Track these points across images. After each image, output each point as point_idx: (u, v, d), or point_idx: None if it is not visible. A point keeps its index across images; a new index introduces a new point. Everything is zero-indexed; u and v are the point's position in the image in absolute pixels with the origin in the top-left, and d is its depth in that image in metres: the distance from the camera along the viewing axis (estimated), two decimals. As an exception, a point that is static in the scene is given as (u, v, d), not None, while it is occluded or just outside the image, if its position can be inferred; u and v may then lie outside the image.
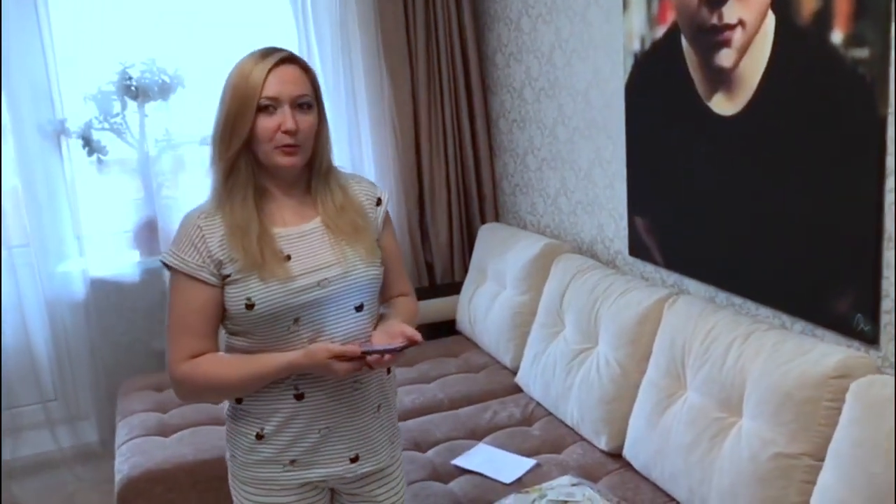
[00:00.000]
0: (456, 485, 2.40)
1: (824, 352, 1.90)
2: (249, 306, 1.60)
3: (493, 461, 2.50)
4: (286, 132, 1.60)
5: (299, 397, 1.66)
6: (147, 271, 3.55)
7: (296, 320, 1.63)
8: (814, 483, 1.82)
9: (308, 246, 1.67)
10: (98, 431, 3.56)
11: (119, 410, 3.07)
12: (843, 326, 2.00)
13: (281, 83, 1.60)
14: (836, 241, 1.99)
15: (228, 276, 1.62)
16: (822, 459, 1.81)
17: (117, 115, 3.46)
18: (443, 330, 3.61)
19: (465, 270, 3.69)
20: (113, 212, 3.53)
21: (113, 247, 3.56)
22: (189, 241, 1.62)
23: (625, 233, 2.88)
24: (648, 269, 2.79)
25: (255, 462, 1.69)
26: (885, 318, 1.90)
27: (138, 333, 3.62)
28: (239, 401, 1.69)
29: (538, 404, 2.88)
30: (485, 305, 3.35)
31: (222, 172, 1.63)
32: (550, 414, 2.80)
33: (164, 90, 3.47)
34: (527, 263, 3.13)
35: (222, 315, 1.65)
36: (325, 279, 1.64)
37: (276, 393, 1.66)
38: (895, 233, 1.84)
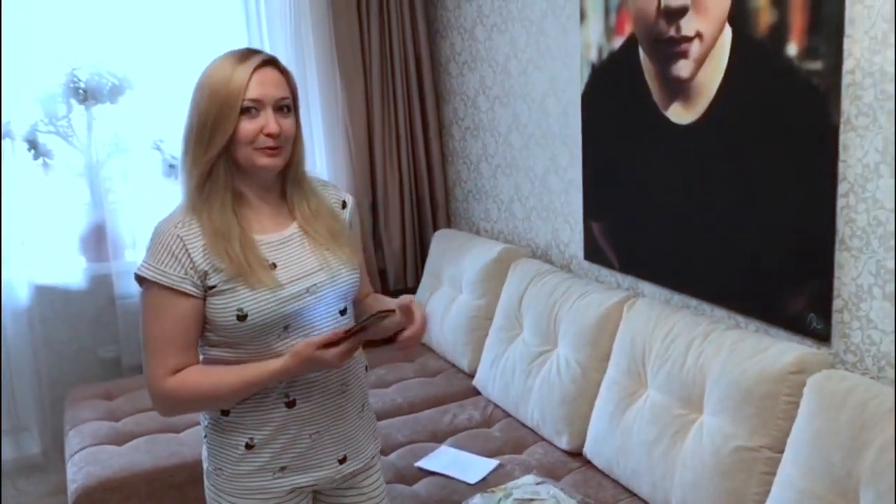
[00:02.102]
0: (421, 486, 2.42)
1: (781, 349, 2.00)
2: (241, 317, 1.57)
3: (456, 462, 2.53)
4: (269, 135, 1.59)
5: (290, 405, 1.65)
6: (94, 278, 3.47)
7: (286, 328, 1.61)
8: (774, 474, 1.90)
9: (290, 253, 1.66)
10: (41, 443, 3.45)
11: (68, 420, 2.98)
12: (796, 325, 2.10)
13: (263, 85, 1.59)
14: (790, 244, 2.09)
15: (213, 286, 1.57)
16: (782, 451, 1.90)
17: (63, 117, 3.38)
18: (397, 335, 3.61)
19: (418, 277, 3.72)
20: (59, 217, 3.43)
21: (59, 253, 3.46)
22: (168, 252, 1.56)
23: (580, 237, 2.95)
24: (604, 273, 2.87)
25: (245, 473, 1.66)
26: (837, 317, 2.00)
27: (84, 342, 3.53)
28: (225, 413, 1.66)
29: (497, 406, 2.92)
30: (440, 310, 3.38)
31: (199, 177, 1.59)
32: (510, 415, 2.85)
33: (113, 93, 3.41)
34: (484, 268, 3.18)
35: (203, 326, 1.62)
36: (314, 285, 1.64)
37: (267, 402, 1.64)
38: (847, 235, 1.95)
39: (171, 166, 3.49)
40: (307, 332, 1.64)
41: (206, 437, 1.72)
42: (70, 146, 3.41)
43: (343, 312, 1.71)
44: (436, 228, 3.81)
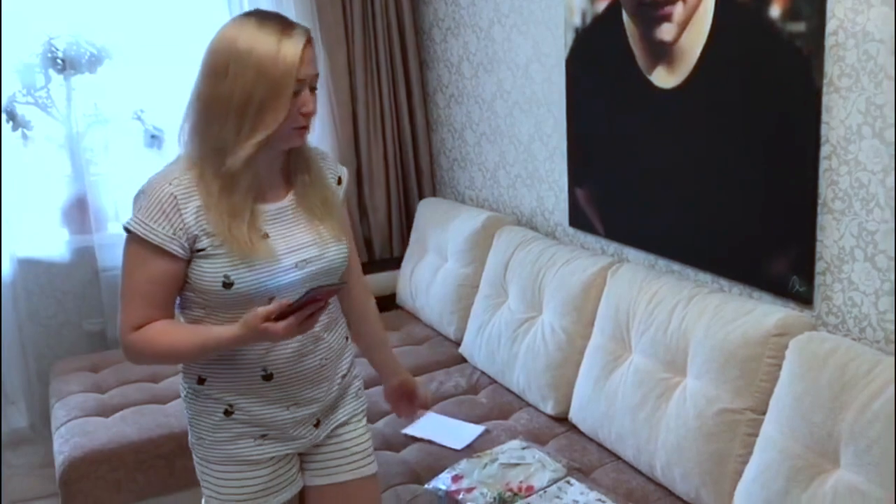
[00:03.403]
0: (408, 453, 2.44)
1: (764, 312, 2.01)
2: (227, 285, 1.55)
3: (442, 429, 2.54)
4: (306, 114, 1.56)
5: (267, 378, 1.64)
6: (77, 251, 3.44)
7: (270, 300, 1.59)
8: (756, 435, 1.92)
9: (283, 225, 1.64)
10: (28, 416, 3.45)
11: (53, 392, 2.98)
12: (779, 288, 2.11)
13: (309, 64, 1.54)
14: (774, 207, 2.09)
15: (202, 249, 1.55)
16: (765, 413, 1.92)
17: (42, 88, 3.33)
18: (383, 304, 3.59)
19: (404, 245, 3.71)
20: (40, 189, 3.40)
21: (41, 226, 3.43)
22: (160, 210, 1.53)
23: (565, 205, 2.94)
24: (589, 239, 2.87)
25: (225, 440, 1.66)
26: (819, 280, 2.01)
27: (69, 315, 3.51)
28: (202, 381, 1.65)
29: (483, 373, 2.93)
30: (427, 279, 3.38)
31: (243, 159, 1.51)
32: (496, 382, 2.86)
33: (92, 63, 3.35)
34: (469, 236, 3.17)
35: (181, 286, 1.60)
36: (303, 260, 1.63)
37: (244, 374, 1.63)
38: (829, 198, 1.95)
39: (153, 137, 3.46)
40: None
41: (186, 406, 1.72)
42: (49, 117, 3.36)
43: None
44: (421, 197, 3.80)
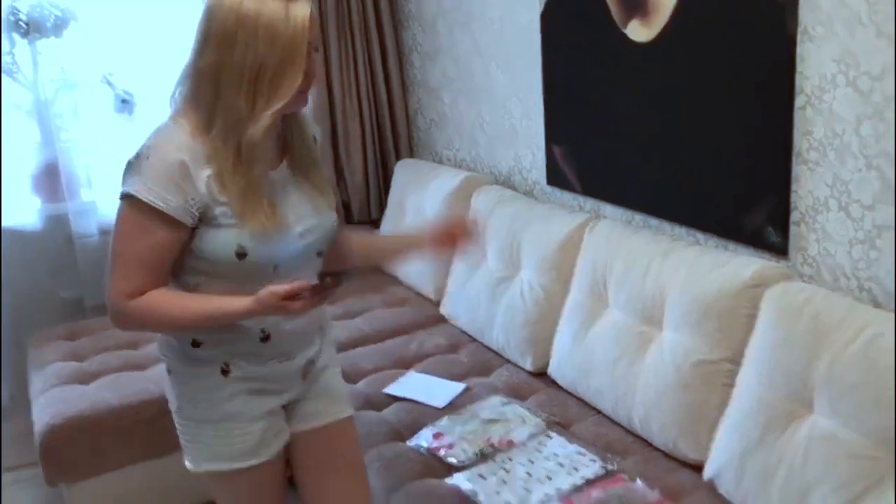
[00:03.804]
0: (389, 412, 2.45)
1: (740, 264, 2.02)
2: (241, 255, 1.53)
3: (423, 387, 2.55)
4: (313, 76, 1.53)
5: (265, 339, 1.65)
6: (50, 218, 3.39)
7: (275, 268, 1.59)
8: (733, 385, 1.95)
9: (286, 194, 1.62)
10: (6, 386, 3.42)
11: (31, 362, 2.96)
12: (754, 240, 2.12)
13: (314, 24, 1.51)
14: (749, 159, 2.09)
15: (213, 218, 1.52)
16: (741, 363, 1.94)
17: (7, 53, 3.25)
18: (363, 267, 3.61)
19: (382, 208, 3.69)
20: (10, 157, 3.33)
21: (11, 194, 3.37)
22: (169, 177, 1.47)
23: (542, 163, 2.93)
24: (566, 196, 2.86)
25: (222, 399, 1.66)
26: (794, 230, 2.02)
27: (44, 284, 3.47)
28: (197, 345, 1.63)
29: (463, 332, 2.94)
30: (405, 240, 3.36)
31: (262, 130, 1.48)
32: (476, 340, 2.87)
33: (57, 26, 3.28)
34: (447, 197, 3.16)
35: (187, 253, 1.56)
36: (306, 230, 1.63)
37: (243, 336, 1.63)
38: (804, 148, 1.95)
39: (124, 101, 3.40)
40: (293, 273, 1.60)
41: (171, 372, 1.70)
42: (16, 83, 3.29)
43: (320, 254, 1.72)
44: (398, 159, 3.77)
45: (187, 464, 1.74)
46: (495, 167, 3.24)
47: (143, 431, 2.59)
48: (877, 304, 1.84)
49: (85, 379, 2.76)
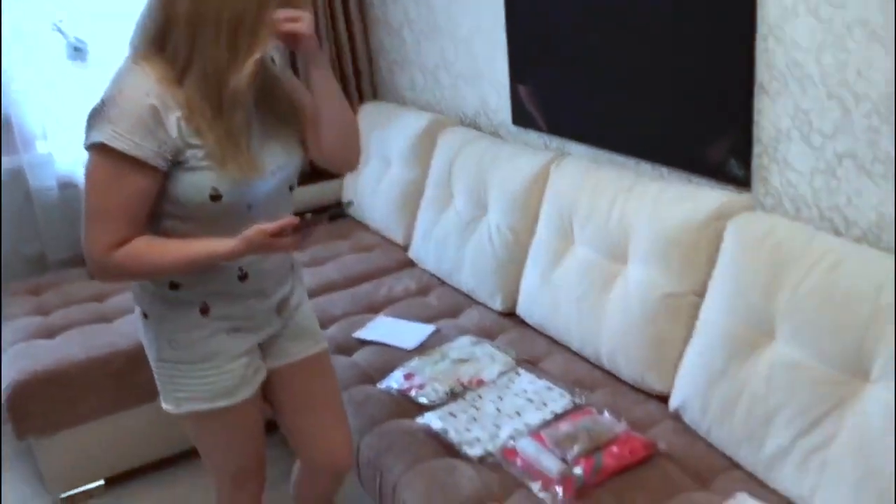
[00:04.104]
0: (359, 356, 2.45)
1: (703, 197, 2.03)
2: (215, 197, 1.53)
3: (393, 330, 2.56)
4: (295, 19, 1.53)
5: (244, 278, 1.67)
6: (6, 172, 3.29)
7: (249, 207, 1.60)
8: (697, 317, 1.97)
9: (255, 133, 1.61)
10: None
11: (-6, 318, 2.92)
12: (718, 173, 2.13)
13: None
14: (711, 92, 2.08)
15: (184, 162, 1.51)
16: (704, 295, 1.96)
17: (-50, 0, 3.13)
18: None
19: (347, 153, 3.64)
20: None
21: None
22: (141, 122, 1.45)
23: (507, 102, 2.90)
24: (532, 136, 2.85)
25: (202, 338, 1.67)
26: (757, 162, 2.03)
27: (4, 240, 3.39)
28: (174, 287, 1.63)
29: (432, 275, 2.94)
30: (371, 185, 3.34)
31: (246, 80, 1.48)
32: (445, 283, 2.88)
33: (2, -28, 3.15)
34: (412, 139, 3.12)
35: (160, 197, 1.55)
36: (278, 167, 1.64)
37: (221, 277, 1.64)
38: (765, 79, 1.95)
39: (77, 49, 3.29)
40: (268, 211, 1.61)
41: (148, 315, 1.69)
42: (-39, 32, 3.17)
43: (292, 188, 1.73)
44: (361, 102, 3.71)
45: (166, 406, 1.75)
46: (460, 108, 3.21)
47: (110, 384, 2.58)
48: (837, 233, 1.86)
49: (51, 333, 2.74)
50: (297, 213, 1.62)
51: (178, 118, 1.48)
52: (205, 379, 1.68)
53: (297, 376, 1.87)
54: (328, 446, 1.93)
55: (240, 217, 1.57)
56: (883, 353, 1.54)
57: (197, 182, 1.52)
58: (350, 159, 1.78)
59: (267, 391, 1.86)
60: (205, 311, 1.66)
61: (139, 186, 1.49)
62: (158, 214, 1.58)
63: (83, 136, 1.51)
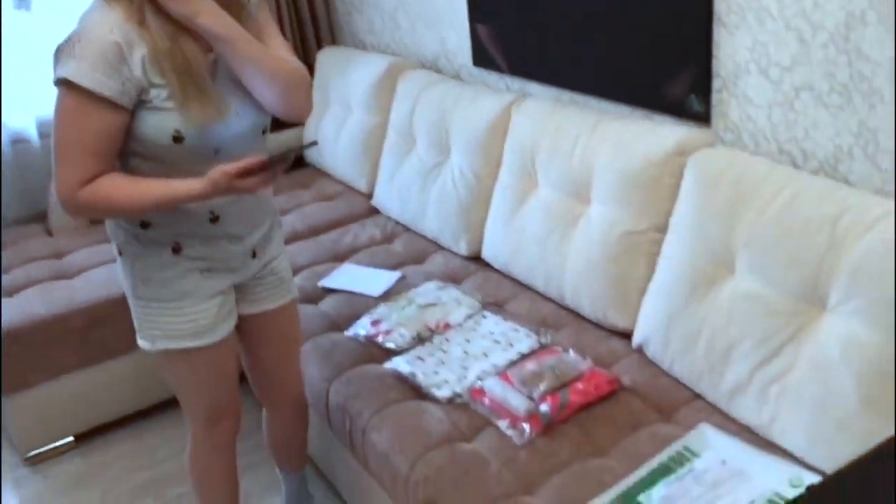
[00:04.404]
0: (326, 304, 2.45)
1: (664, 134, 2.02)
2: (178, 139, 1.53)
3: (359, 278, 2.55)
4: None
5: (215, 220, 1.68)
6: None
7: (216, 151, 1.59)
8: (659, 254, 1.98)
9: (220, 74, 1.59)
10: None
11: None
12: (678, 110, 2.12)
13: None
14: (670, 27, 2.06)
15: (148, 101, 1.51)
16: (666, 232, 1.97)
17: None
18: (292, 163, 3.53)
19: (308, 100, 3.58)
20: None
21: None
22: (104, 60, 1.45)
23: (467, 43, 2.86)
24: (493, 77, 2.81)
25: (174, 277, 1.68)
26: (716, 97, 2.03)
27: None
28: (146, 226, 1.64)
29: (397, 223, 2.93)
30: (333, 132, 3.29)
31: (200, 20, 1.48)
32: (410, 230, 2.87)
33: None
34: (372, 84, 3.08)
35: (126, 136, 1.55)
36: (243, 110, 1.62)
37: (192, 218, 1.65)
38: (723, 12, 1.93)
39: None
40: (234, 154, 1.60)
41: (122, 253, 1.70)
42: None
43: (263, 132, 1.71)
44: (320, 47, 3.64)
45: (141, 343, 1.76)
46: (420, 51, 3.16)
47: (74, 341, 2.55)
48: (796, 166, 1.87)
49: (10, 291, 2.70)
50: None
51: (143, 56, 1.48)
52: (177, 318, 1.70)
53: (268, 323, 1.90)
54: (282, 378, 2.00)
55: (207, 161, 1.57)
56: (839, 282, 1.57)
57: (160, 123, 1.52)
58: (292, 113, 1.70)
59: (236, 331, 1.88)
60: (177, 250, 1.67)
61: (104, 123, 1.49)
62: (127, 153, 1.58)
63: (52, 72, 1.51)
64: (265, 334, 1.92)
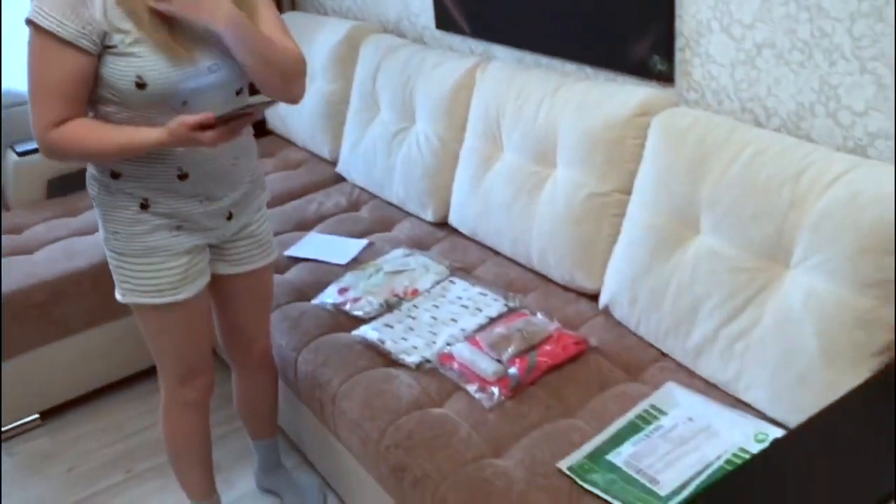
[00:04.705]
0: (292, 274, 2.42)
1: (627, 95, 2.02)
2: (140, 85, 1.52)
3: (326, 247, 2.53)
4: None
5: (183, 177, 1.66)
6: None
7: (184, 103, 1.58)
8: (623, 215, 1.99)
9: (194, 24, 1.56)
10: None
11: None
12: (642, 70, 2.11)
13: None
14: (633, -14, 2.05)
15: (113, 46, 1.50)
16: (630, 193, 1.97)
17: None
18: (255, 132, 3.47)
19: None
20: None
21: None
22: (66, 2, 1.46)
23: (430, 6, 2.82)
24: (456, 41, 2.78)
25: (142, 232, 1.68)
26: (679, 56, 2.02)
27: None
28: (116, 176, 1.65)
29: (362, 190, 2.91)
30: (295, 100, 3.24)
31: None
32: (376, 197, 2.84)
33: None
34: (333, 50, 3.03)
35: (94, 82, 1.55)
36: (216, 64, 1.59)
37: (159, 172, 1.64)
38: (685, -30, 1.92)
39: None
40: (204, 108, 1.58)
41: (96, 203, 1.72)
42: None
43: (239, 92, 1.68)
44: (281, 12, 3.56)
45: (117, 294, 1.77)
46: (382, 14, 3.11)
47: (34, 316, 2.51)
48: (758, 124, 1.88)
49: (-32, 268, 2.63)
50: None
51: (105, 1, 1.49)
52: (145, 274, 1.71)
53: (243, 284, 1.91)
54: (253, 337, 2.01)
55: (175, 112, 1.57)
56: (802, 238, 1.58)
57: (124, 68, 1.52)
58: (288, 98, 1.70)
59: (209, 289, 1.87)
60: (145, 206, 1.66)
61: (68, 66, 1.50)
62: (99, 100, 1.59)
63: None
64: (239, 294, 1.92)
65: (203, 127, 1.50)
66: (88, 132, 1.55)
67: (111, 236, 1.71)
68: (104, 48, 1.51)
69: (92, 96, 1.58)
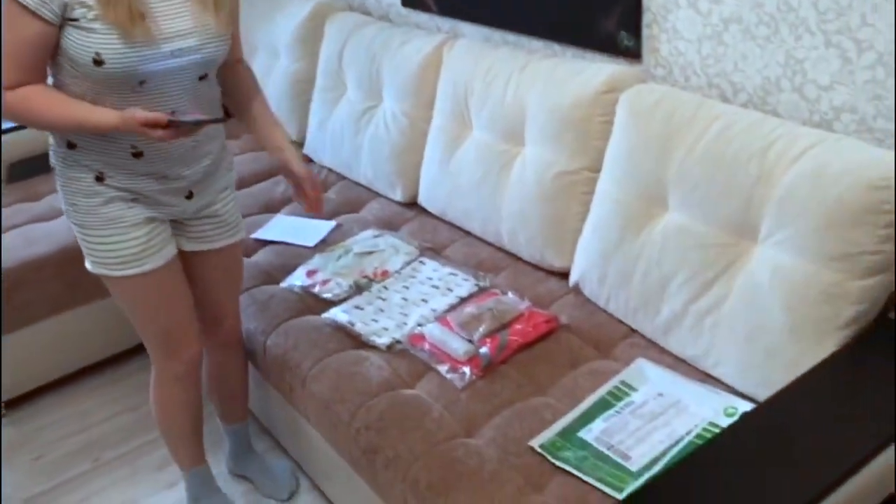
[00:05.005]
0: (260, 256, 2.40)
1: (594, 72, 2.01)
2: (98, 62, 1.52)
3: (293, 229, 2.51)
4: None
5: (138, 155, 1.66)
6: None
7: (142, 83, 1.58)
8: (593, 193, 1.98)
9: (170, 6, 1.58)
10: None
11: None
12: (609, 46, 2.10)
13: None
14: (599, -39, 2.04)
15: (75, 19, 1.50)
16: (599, 170, 1.97)
17: None
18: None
19: (233, 47, 3.46)
20: None
21: None
22: None
23: (395, -17, 2.79)
24: (423, 18, 2.75)
25: (98, 204, 1.68)
26: (646, 32, 2.01)
27: None
28: (72, 146, 1.65)
29: (330, 170, 2.87)
30: (260, 79, 3.15)
31: None
32: (344, 177, 2.81)
33: None
34: (298, 28, 2.98)
35: (55, 51, 1.55)
36: (180, 49, 1.59)
37: (113, 149, 1.64)
38: (652, -55, 1.91)
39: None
40: (163, 91, 1.60)
41: (55, 172, 1.72)
42: None
43: (203, 78, 1.67)
44: (243, -8, 3.50)
45: (87, 265, 1.77)
46: (347, -7, 3.06)
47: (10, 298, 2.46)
48: (725, 100, 1.88)
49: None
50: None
51: None
52: (105, 246, 1.71)
53: (209, 262, 1.90)
54: (222, 314, 2.01)
55: (132, 91, 1.58)
56: (769, 213, 1.59)
57: (83, 42, 1.52)
58: None
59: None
60: (100, 178, 1.67)
61: (27, 33, 1.50)
62: (59, 70, 1.59)
63: None
64: (206, 272, 1.92)
65: (152, 125, 1.52)
66: (44, 101, 1.56)
67: (71, 208, 1.71)
68: (67, 20, 1.51)
69: (53, 64, 1.58)
